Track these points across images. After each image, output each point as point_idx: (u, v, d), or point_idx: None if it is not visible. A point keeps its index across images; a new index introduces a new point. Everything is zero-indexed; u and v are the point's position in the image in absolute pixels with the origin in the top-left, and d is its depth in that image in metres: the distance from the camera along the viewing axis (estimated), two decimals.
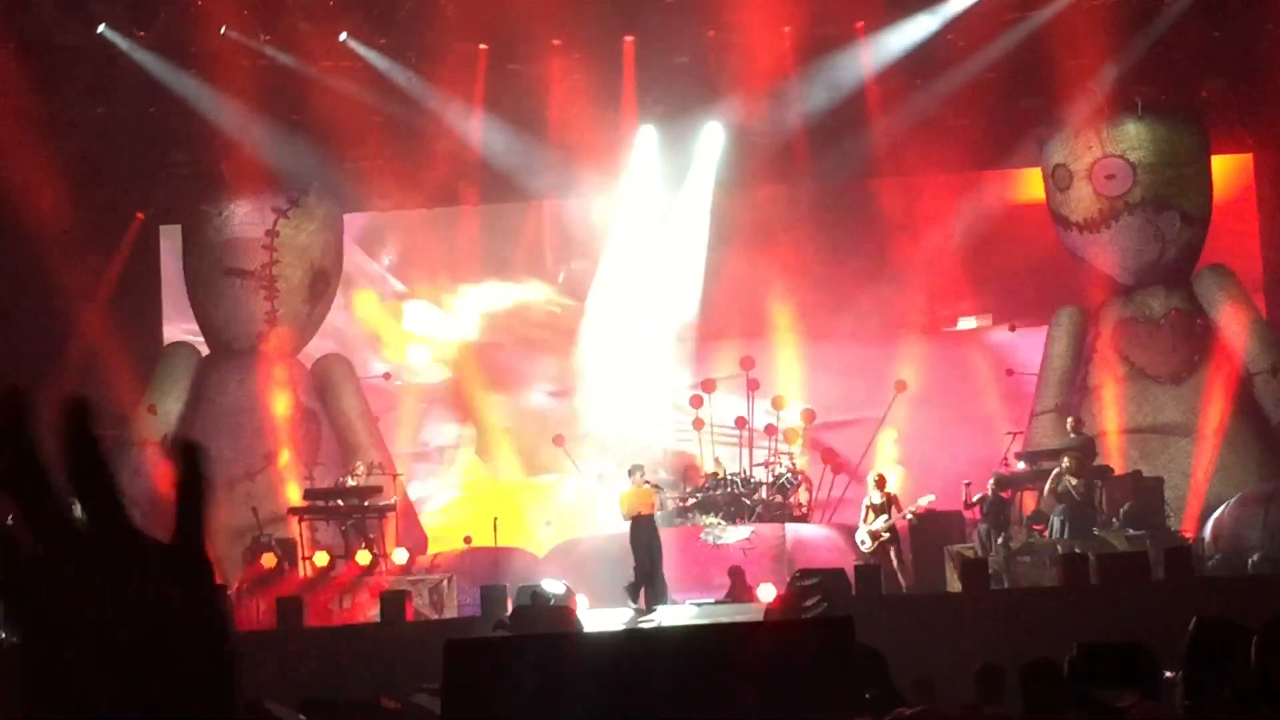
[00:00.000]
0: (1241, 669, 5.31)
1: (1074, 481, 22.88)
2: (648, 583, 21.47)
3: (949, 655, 15.69)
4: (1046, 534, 23.01)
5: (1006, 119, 26.88)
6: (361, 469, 25.52)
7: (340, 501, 24.69)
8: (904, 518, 23.20)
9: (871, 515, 22.89)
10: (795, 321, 28.86)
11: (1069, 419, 25.23)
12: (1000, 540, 22.59)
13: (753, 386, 28.26)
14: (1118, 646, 7.45)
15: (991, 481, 23.27)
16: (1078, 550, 21.37)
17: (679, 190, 28.40)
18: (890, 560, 22.56)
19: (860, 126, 26.81)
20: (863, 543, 22.82)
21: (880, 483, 23.34)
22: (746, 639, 4.49)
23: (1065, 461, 23.14)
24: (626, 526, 25.76)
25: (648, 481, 22.50)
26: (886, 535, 22.75)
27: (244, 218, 27.58)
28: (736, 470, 26.43)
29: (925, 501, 23.59)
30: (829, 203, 29.41)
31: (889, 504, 22.98)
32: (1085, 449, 24.14)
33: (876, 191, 29.66)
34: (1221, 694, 6.25)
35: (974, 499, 23.29)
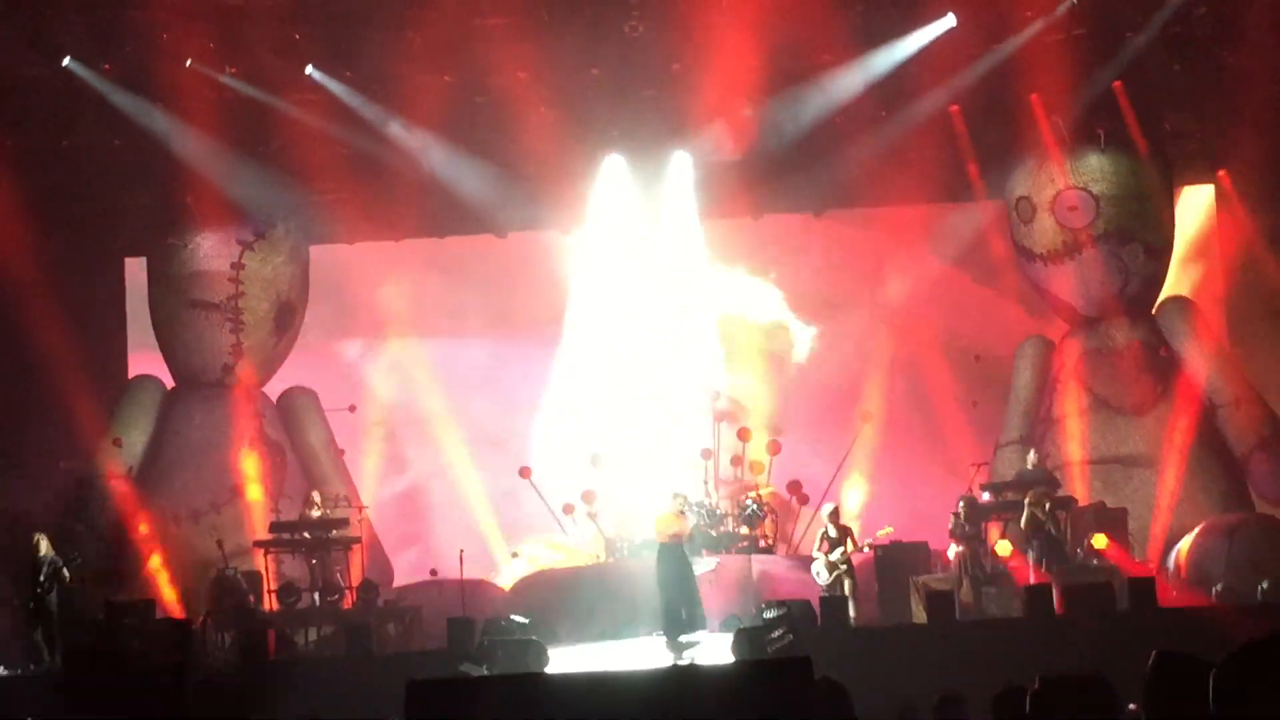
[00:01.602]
0: (1201, 704, 5.35)
1: (1043, 514, 22.91)
2: (687, 610, 21.10)
3: (915, 686, 15.72)
4: (1027, 563, 23.01)
5: (971, 151, 26.98)
6: (319, 499, 25.45)
7: (306, 534, 24.63)
8: (861, 550, 23.21)
9: (828, 546, 22.90)
10: (762, 353, 28.99)
11: (1030, 452, 25.31)
12: (974, 568, 22.65)
13: (720, 419, 28.28)
14: (1079, 678, 7.49)
15: (962, 503, 23.25)
16: (1042, 582, 21.43)
17: (652, 221, 28.43)
18: (845, 591, 22.56)
19: (824, 158, 26.86)
20: (818, 574, 22.82)
21: (835, 515, 23.35)
22: (708, 681, 4.52)
23: (1032, 495, 23.17)
24: (590, 561, 25.80)
25: (683, 510, 22.14)
26: (844, 567, 22.75)
27: (209, 250, 27.53)
28: (702, 501, 26.41)
29: (884, 534, 23.63)
30: (791, 233, 29.58)
31: (844, 536, 22.98)
32: (1043, 481, 24.21)
33: (840, 222, 29.80)
34: None
35: (950, 526, 23.26)
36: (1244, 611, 20.32)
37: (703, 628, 20.98)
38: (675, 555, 21.29)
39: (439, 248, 29.67)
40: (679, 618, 20.84)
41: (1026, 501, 23.02)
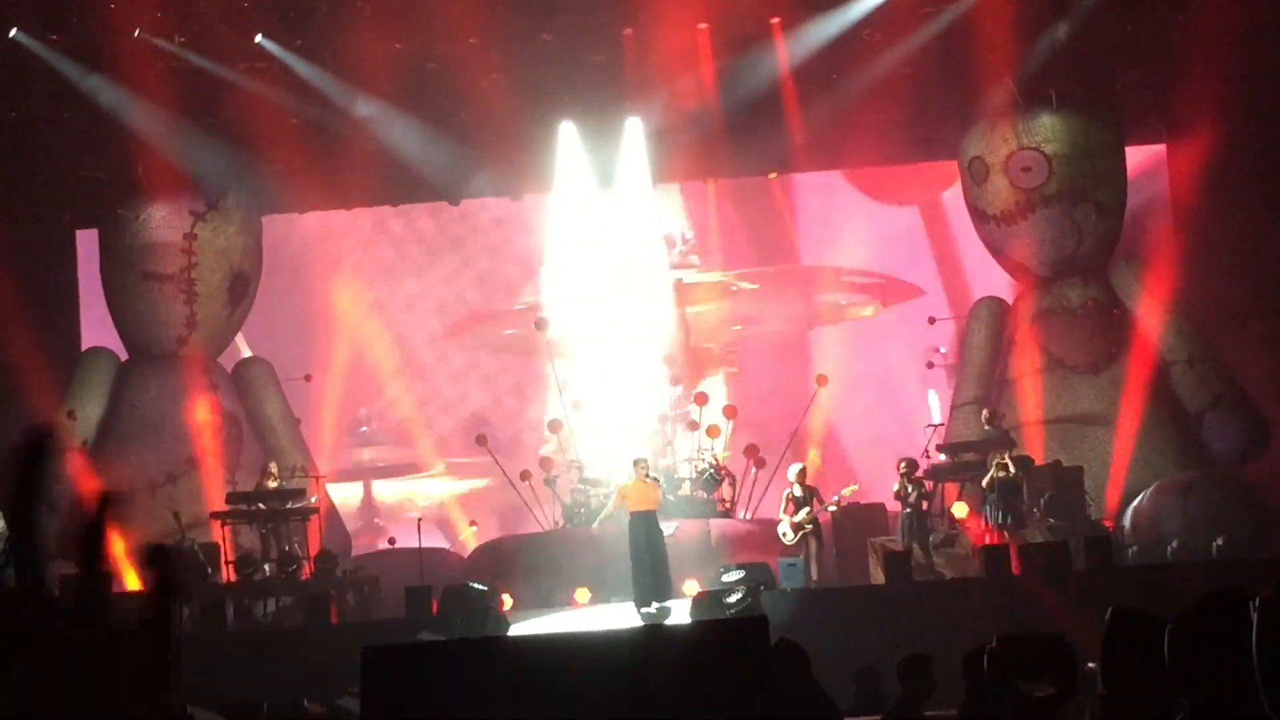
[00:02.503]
0: (1157, 659, 5.37)
1: (1009, 472, 23.00)
2: (651, 581, 21.02)
3: (874, 647, 15.80)
4: (983, 522, 23.06)
5: (923, 112, 26.99)
6: (276, 469, 25.36)
7: (262, 504, 24.56)
8: (825, 510, 23.26)
9: (793, 507, 22.92)
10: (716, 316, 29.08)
11: (984, 411, 25.37)
12: (920, 530, 22.73)
13: (675, 383, 28.28)
14: (1037, 638, 7.51)
15: (903, 465, 23.23)
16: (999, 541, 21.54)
17: (605, 186, 28.37)
18: (809, 552, 22.63)
19: (778, 121, 26.85)
20: (784, 535, 22.84)
21: (801, 475, 23.37)
22: (666, 641, 4.52)
23: (998, 456, 23.26)
24: (548, 527, 25.80)
25: (649, 476, 21.95)
26: (809, 527, 22.80)
27: (161, 221, 27.37)
28: (659, 466, 26.41)
29: (849, 491, 23.64)
30: (746, 197, 29.64)
31: (810, 496, 23.02)
32: (1001, 442, 24.29)
33: (794, 185, 29.89)
34: (1138, 684, 6.32)
35: (894, 488, 23.27)
36: (1199, 568, 20.48)
37: (672, 596, 20.92)
38: (643, 524, 21.19)
39: (392, 215, 29.62)
40: (647, 586, 20.80)
41: (996, 463, 23.07)
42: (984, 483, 23.18)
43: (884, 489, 24.49)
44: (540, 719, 4.05)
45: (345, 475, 29.90)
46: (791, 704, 7.81)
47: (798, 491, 23.03)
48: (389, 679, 4.23)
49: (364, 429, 30.46)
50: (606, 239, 28.67)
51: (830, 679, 10.69)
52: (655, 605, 20.74)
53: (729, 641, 4.37)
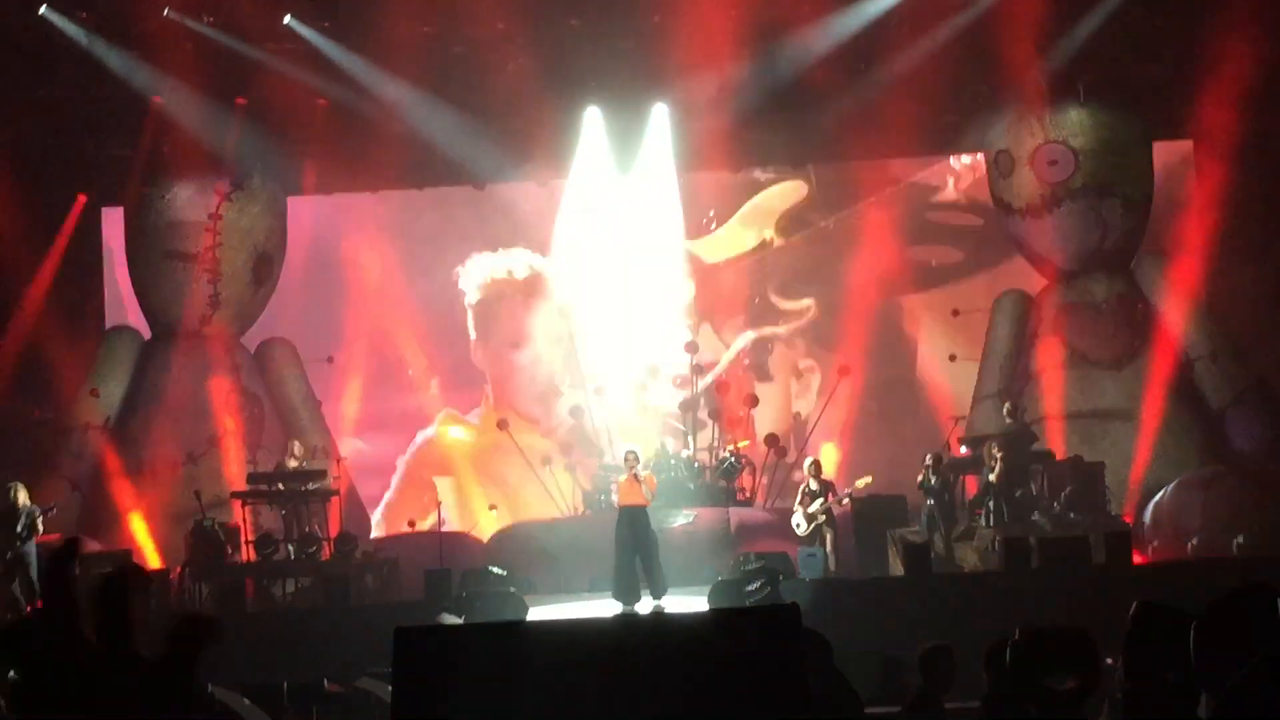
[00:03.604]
0: (1181, 654, 5.37)
1: (995, 469, 22.98)
2: (645, 579, 20.22)
3: (894, 639, 15.78)
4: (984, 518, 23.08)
5: (950, 105, 26.94)
6: (299, 450, 25.40)
7: (283, 485, 24.60)
8: (839, 503, 23.24)
9: (808, 500, 22.92)
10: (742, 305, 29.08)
11: (1005, 404, 25.33)
12: (944, 523, 22.72)
13: (698, 372, 28.30)
14: (1061, 631, 7.51)
15: (929, 459, 23.25)
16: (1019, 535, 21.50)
17: (629, 173, 28.38)
18: (825, 544, 22.63)
19: (804, 111, 26.82)
20: (798, 526, 22.84)
21: (816, 468, 23.38)
22: (694, 628, 4.52)
23: (992, 450, 23.25)
24: (568, 513, 25.80)
25: (635, 473, 20.74)
26: (823, 518, 22.80)
27: (187, 200, 27.43)
28: (680, 454, 26.42)
29: (863, 483, 23.60)
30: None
31: (825, 489, 23.01)
32: (1022, 435, 24.27)
33: (823, 175, 29.85)
34: (1161, 678, 6.31)
35: (919, 480, 23.26)
36: (1219, 565, 20.42)
37: (665, 593, 20.19)
38: (630, 521, 20.47)
39: (418, 198, 29.63)
40: (627, 584, 20.27)
41: (998, 455, 23.06)
42: (993, 477, 23.10)
43: (903, 480, 24.49)
44: (572, 705, 4.06)
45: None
46: (815, 693, 7.80)
47: (813, 485, 23.04)
48: (421, 659, 4.25)
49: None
50: (627, 224, 28.67)
51: (849, 669, 10.69)
52: (651, 604, 20.18)
53: (760, 629, 4.37)
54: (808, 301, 29.65)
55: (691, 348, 28.24)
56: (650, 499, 20.69)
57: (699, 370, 28.29)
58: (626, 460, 21.03)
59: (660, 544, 21.02)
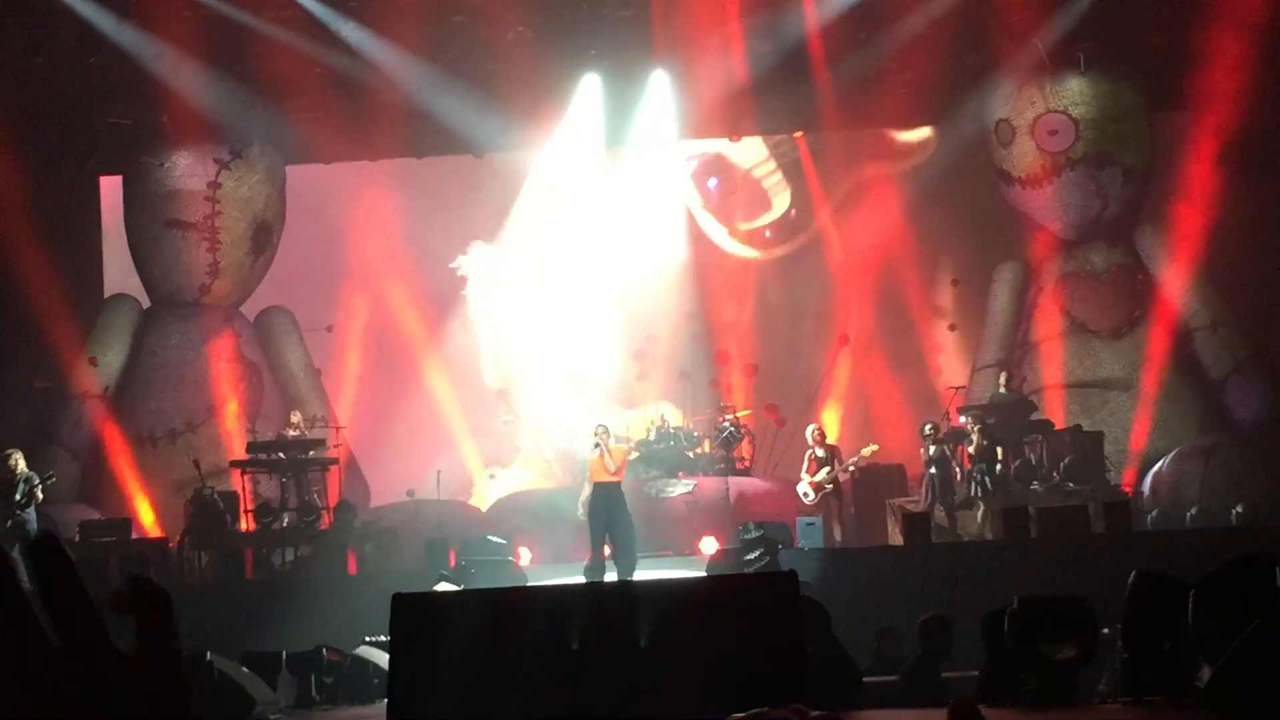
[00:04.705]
0: (1179, 623, 5.37)
1: (974, 443, 22.98)
2: (617, 559, 19.75)
3: (893, 608, 15.81)
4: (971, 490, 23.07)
5: (950, 73, 26.87)
6: (299, 419, 25.39)
7: (283, 454, 24.60)
8: (845, 471, 23.24)
9: (815, 466, 22.92)
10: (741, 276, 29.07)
11: (1001, 374, 25.35)
12: (943, 492, 22.71)
13: (697, 341, 28.31)
14: (1058, 600, 7.51)
15: (927, 428, 23.22)
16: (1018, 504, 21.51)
17: (628, 140, 28.35)
18: (830, 513, 22.64)
19: (804, 79, 26.77)
20: (805, 495, 22.84)
21: (821, 436, 23.38)
22: (692, 593, 4.51)
23: (971, 423, 23.27)
24: (567, 482, 25.77)
25: (598, 445, 20.32)
26: (829, 487, 22.81)
27: (186, 169, 27.40)
28: (679, 424, 26.45)
29: (868, 451, 23.59)
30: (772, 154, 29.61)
31: (832, 457, 23.01)
32: (1018, 405, 24.27)
33: (823, 146, 29.83)
34: (1160, 646, 6.32)
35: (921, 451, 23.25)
36: (1218, 535, 20.43)
37: (629, 576, 19.42)
38: (602, 496, 20.03)
39: (416, 167, 29.58)
40: (595, 563, 19.83)
41: (978, 429, 23.06)
42: (972, 450, 23.08)
43: (902, 450, 24.50)
44: (571, 669, 4.05)
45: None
46: (813, 662, 7.81)
47: (819, 452, 23.03)
48: (418, 625, 4.24)
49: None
50: (620, 193, 28.65)
51: (847, 638, 10.69)
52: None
53: (758, 594, 4.36)
54: None
55: (691, 319, 28.27)
56: (615, 470, 20.13)
57: (698, 340, 28.31)
58: (596, 434, 20.58)
59: (660, 514, 20.88)
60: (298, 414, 25.61)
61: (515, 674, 4.10)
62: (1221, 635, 4.89)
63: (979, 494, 22.62)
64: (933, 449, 22.97)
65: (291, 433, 25.00)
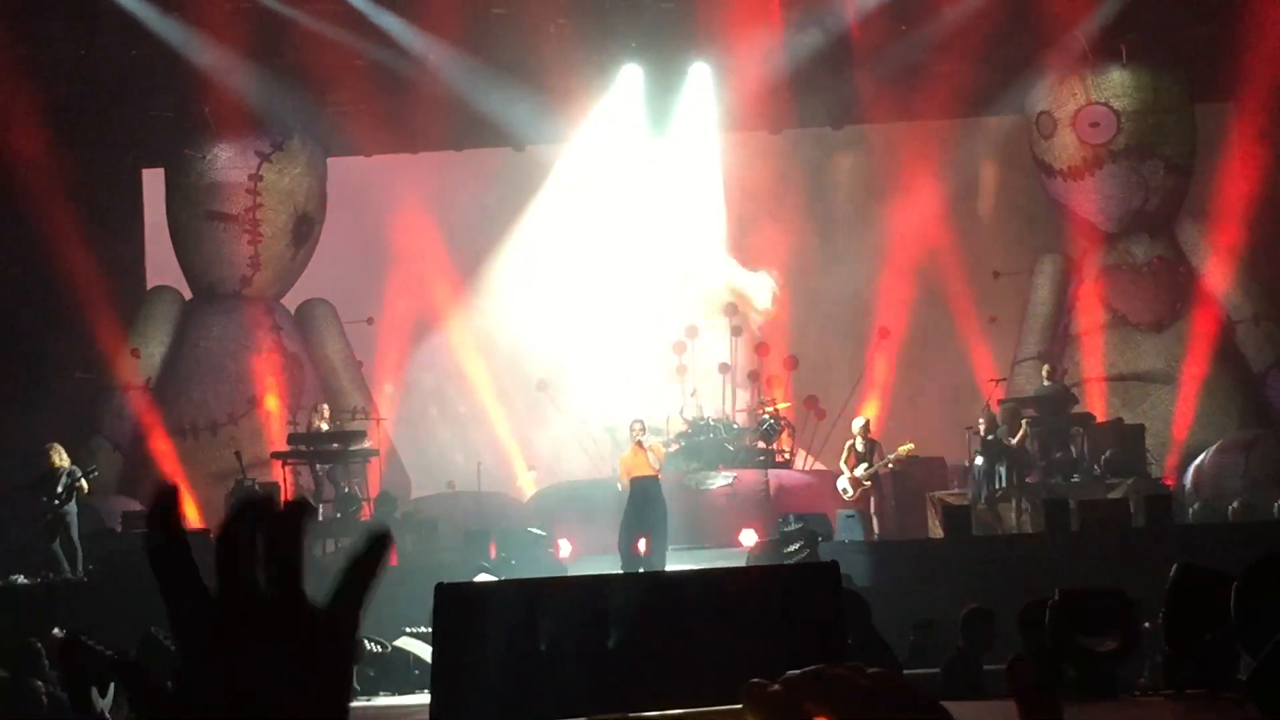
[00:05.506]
0: (1221, 616, 5.35)
1: (1018, 435, 22.89)
2: (653, 553, 19.73)
3: (933, 601, 15.78)
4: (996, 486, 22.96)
5: (991, 66, 26.81)
6: (328, 412, 25.33)
7: (328, 445, 24.64)
8: (885, 465, 23.16)
9: (854, 459, 22.85)
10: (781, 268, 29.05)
11: (1044, 367, 25.29)
12: (987, 485, 22.63)
13: (737, 334, 28.31)
14: (1099, 593, 7.50)
15: (982, 419, 23.14)
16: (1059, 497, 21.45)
17: (667, 133, 28.38)
18: (870, 507, 22.58)
19: (844, 72, 26.75)
20: (844, 490, 22.78)
21: (865, 429, 23.30)
22: (732, 583, 4.53)
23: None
24: (607, 474, 25.76)
25: (639, 441, 20.33)
26: (869, 483, 22.74)
27: (227, 161, 27.52)
28: (719, 416, 26.44)
29: (905, 450, 23.54)
30: (812, 148, 29.55)
31: (871, 451, 22.93)
32: (1059, 397, 24.19)
33: (861, 138, 29.76)
34: (1201, 639, 6.30)
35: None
36: (1260, 528, 20.35)
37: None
38: (641, 492, 20.03)
39: (457, 159, 29.62)
40: (630, 557, 19.80)
41: (1024, 422, 22.98)
42: (1014, 441, 22.94)
43: (943, 443, 24.45)
44: (613, 660, 4.07)
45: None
46: (853, 654, 7.81)
47: (860, 445, 22.92)
48: (460, 614, 4.26)
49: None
50: (660, 184, 28.68)
51: (886, 631, 10.70)
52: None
53: (800, 584, 4.37)
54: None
55: (730, 309, 28.26)
56: (658, 465, 20.18)
57: (737, 332, 28.32)
58: (632, 430, 20.59)
59: (700, 506, 20.84)
60: (327, 407, 25.56)
61: (558, 662, 4.12)
62: (1265, 628, 4.87)
63: (1021, 487, 22.55)
64: (989, 437, 22.81)
65: (321, 424, 24.90)
